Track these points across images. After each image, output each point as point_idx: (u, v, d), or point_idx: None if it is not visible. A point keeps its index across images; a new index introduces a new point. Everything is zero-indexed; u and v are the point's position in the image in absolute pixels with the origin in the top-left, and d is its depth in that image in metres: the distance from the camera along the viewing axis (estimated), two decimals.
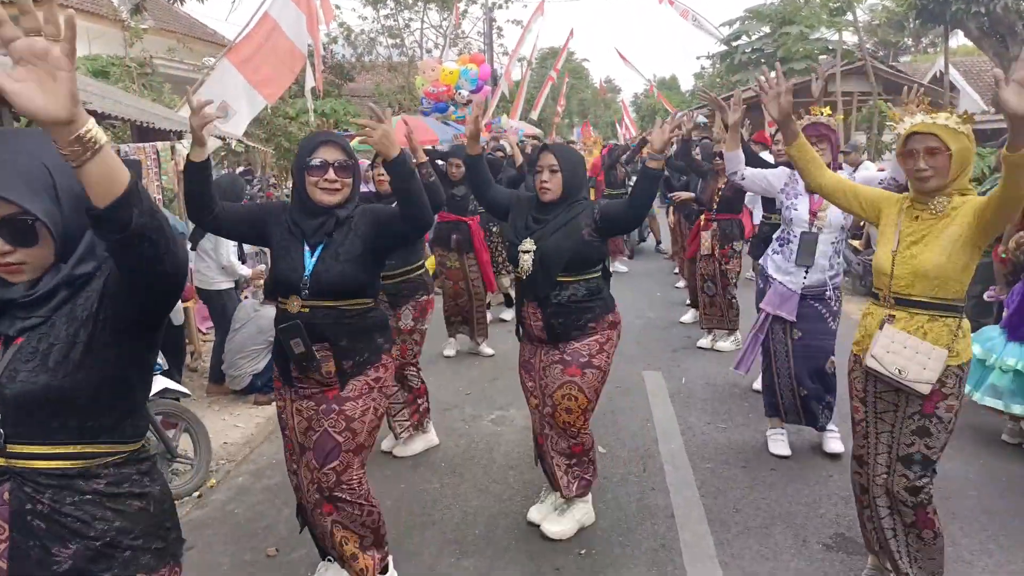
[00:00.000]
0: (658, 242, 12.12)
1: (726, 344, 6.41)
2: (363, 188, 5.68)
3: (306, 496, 2.74)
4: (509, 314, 7.65)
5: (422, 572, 3.13)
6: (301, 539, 3.46)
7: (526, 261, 3.18)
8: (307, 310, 2.59)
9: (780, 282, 4.15)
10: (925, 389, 2.54)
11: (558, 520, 3.38)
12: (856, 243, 8.88)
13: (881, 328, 2.65)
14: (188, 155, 2.61)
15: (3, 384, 1.39)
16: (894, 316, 2.65)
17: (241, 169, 12.90)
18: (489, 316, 6.67)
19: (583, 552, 3.26)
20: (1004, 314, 4.53)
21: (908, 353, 2.56)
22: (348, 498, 2.68)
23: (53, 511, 1.43)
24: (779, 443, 4.26)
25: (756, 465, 4.11)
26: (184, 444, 4.18)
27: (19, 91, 1.14)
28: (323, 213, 2.61)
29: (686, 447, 4.36)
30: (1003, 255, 4.91)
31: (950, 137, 2.48)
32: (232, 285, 5.66)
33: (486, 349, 6.43)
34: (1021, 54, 2.12)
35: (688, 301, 7.31)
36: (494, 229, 7.50)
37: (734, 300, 6.27)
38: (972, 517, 3.53)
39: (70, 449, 1.45)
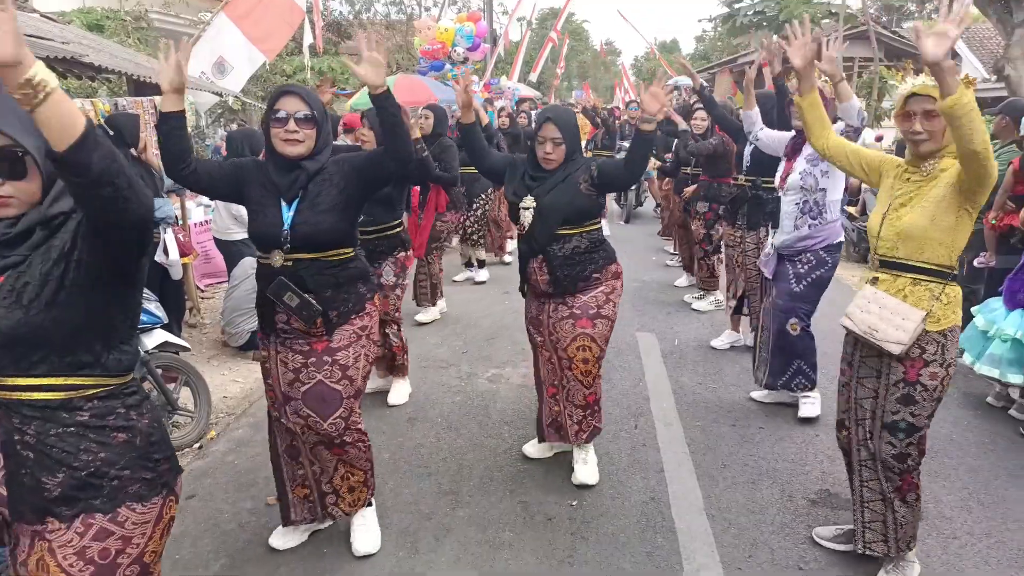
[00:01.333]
0: (657, 204, 12.11)
1: (703, 304, 6.53)
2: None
3: (300, 438, 2.82)
4: (483, 275, 7.70)
5: (419, 521, 3.22)
6: None
7: (526, 217, 3.28)
8: (290, 263, 2.64)
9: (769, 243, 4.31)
10: (896, 349, 2.54)
11: (587, 468, 3.53)
12: (852, 209, 8.91)
13: (863, 289, 2.71)
14: (159, 105, 2.59)
15: None
16: (878, 278, 2.68)
17: (235, 127, 12.82)
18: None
19: (574, 503, 3.36)
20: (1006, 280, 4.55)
21: (883, 313, 2.58)
22: (354, 440, 2.84)
23: (39, 442, 1.52)
24: (810, 405, 4.25)
25: (744, 424, 4.20)
26: (184, 397, 4.26)
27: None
28: (295, 167, 2.64)
29: (677, 406, 4.45)
30: (993, 221, 4.96)
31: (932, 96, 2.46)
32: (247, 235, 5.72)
33: (424, 316, 6.24)
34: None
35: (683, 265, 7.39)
36: (483, 195, 7.48)
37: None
38: (955, 476, 3.63)
39: (52, 381, 1.52)
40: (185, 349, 4.42)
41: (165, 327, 4.23)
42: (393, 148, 2.62)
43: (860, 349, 2.76)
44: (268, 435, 3.00)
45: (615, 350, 5.44)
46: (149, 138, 4.86)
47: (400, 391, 4.57)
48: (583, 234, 3.31)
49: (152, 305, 4.09)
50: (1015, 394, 4.47)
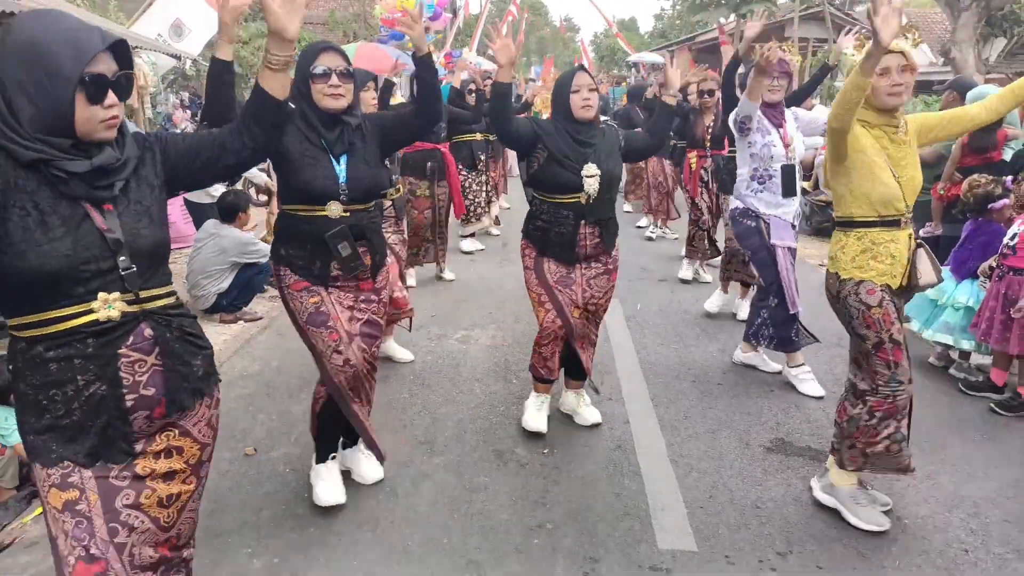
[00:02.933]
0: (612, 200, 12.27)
1: (687, 273, 6.71)
2: None
3: (363, 373, 2.91)
4: (469, 244, 7.84)
5: (396, 468, 3.33)
6: (279, 439, 3.65)
7: (591, 185, 3.34)
8: (348, 214, 2.75)
9: (775, 216, 4.32)
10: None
11: (592, 411, 3.81)
12: (806, 184, 9.20)
13: (920, 244, 2.91)
14: (214, 53, 2.52)
15: (133, 241, 1.64)
16: (910, 235, 2.89)
17: (186, 96, 12.52)
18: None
19: (546, 451, 3.51)
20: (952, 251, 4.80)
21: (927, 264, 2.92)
22: (374, 370, 3.02)
23: (183, 333, 1.77)
24: (808, 383, 4.29)
25: (704, 380, 4.41)
26: None
27: (280, 13, 1.76)
28: (337, 122, 2.73)
29: (640, 364, 4.63)
30: (941, 192, 5.23)
31: (913, 60, 2.78)
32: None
33: (448, 274, 6.59)
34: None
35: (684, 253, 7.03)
36: (482, 157, 7.55)
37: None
38: None
39: (169, 289, 1.77)
40: None
41: None
42: (426, 108, 2.85)
43: (895, 304, 2.86)
44: (320, 388, 2.96)
45: None
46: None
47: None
48: (615, 200, 3.58)
49: None
50: (955, 355, 4.76)
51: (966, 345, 4.47)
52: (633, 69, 24.39)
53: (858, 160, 2.82)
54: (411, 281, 6.41)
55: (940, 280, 2.99)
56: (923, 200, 5.59)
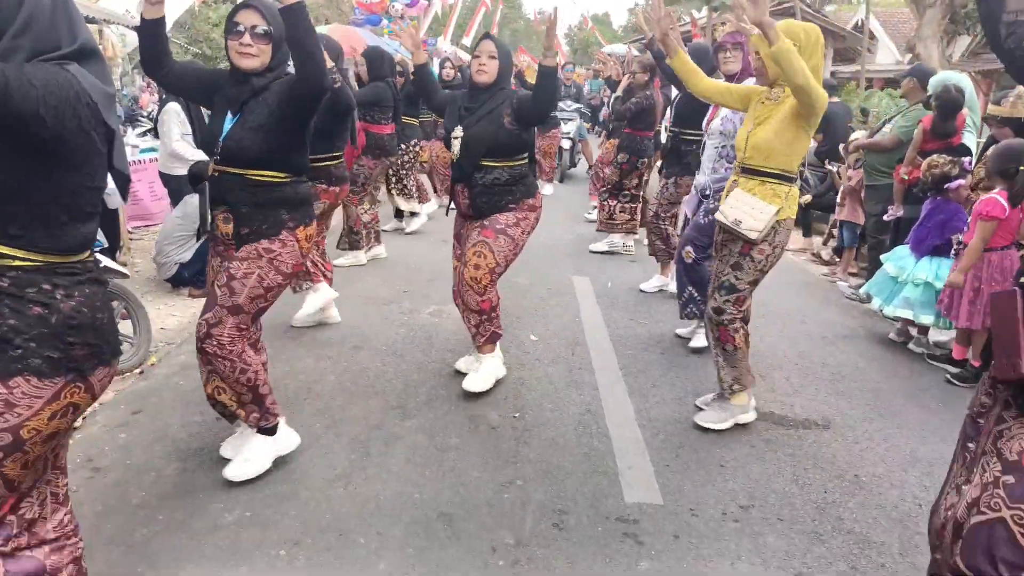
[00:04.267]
0: (589, 166, 12.37)
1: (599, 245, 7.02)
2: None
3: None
4: (415, 224, 7.75)
5: (368, 431, 3.36)
6: None
7: (455, 146, 3.57)
8: (217, 174, 2.77)
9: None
10: (754, 235, 3.17)
11: (475, 377, 3.74)
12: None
13: (730, 191, 3.31)
14: (142, 13, 2.66)
15: None
16: (737, 181, 3.31)
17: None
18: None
19: (517, 415, 3.56)
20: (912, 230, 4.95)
21: (745, 208, 3.20)
22: (217, 352, 2.75)
23: None
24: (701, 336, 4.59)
25: (672, 353, 4.49)
26: (124, 328, 4.22)
27: None
28: (244, 81, 2.71)
29: (610, 337, 4.70)
30: (904, 176, 5.37)
31: (761, 44, 3.04)
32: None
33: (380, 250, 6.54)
34: None
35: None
36: (401, 147, 7.51)
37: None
38: (860, 396, 4.01)
39: None
40: (123, 276, 4.36)
41: (103, 252, 4.18)
42: (300, 68, 2.59)
43: (721, 235, 3.36)
44: None
45: (552, 290, 5.68)
46: None
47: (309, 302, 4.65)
48: (505, 168, 3.60)
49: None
50: (914, 331, 4.91)
51: (925, 320, 4.62)
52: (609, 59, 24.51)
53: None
54: (353, 258, 6.21)
55: (715, 217, 3.31)
56: (885, 183, 5.76)
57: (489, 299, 3.65)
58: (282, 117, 2.70)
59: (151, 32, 2.70)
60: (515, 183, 3.63)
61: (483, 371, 3.75)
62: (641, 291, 5.76)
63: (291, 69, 2.79)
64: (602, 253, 7.02)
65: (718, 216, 3.28)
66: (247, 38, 2.64)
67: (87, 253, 1.70)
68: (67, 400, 1.66)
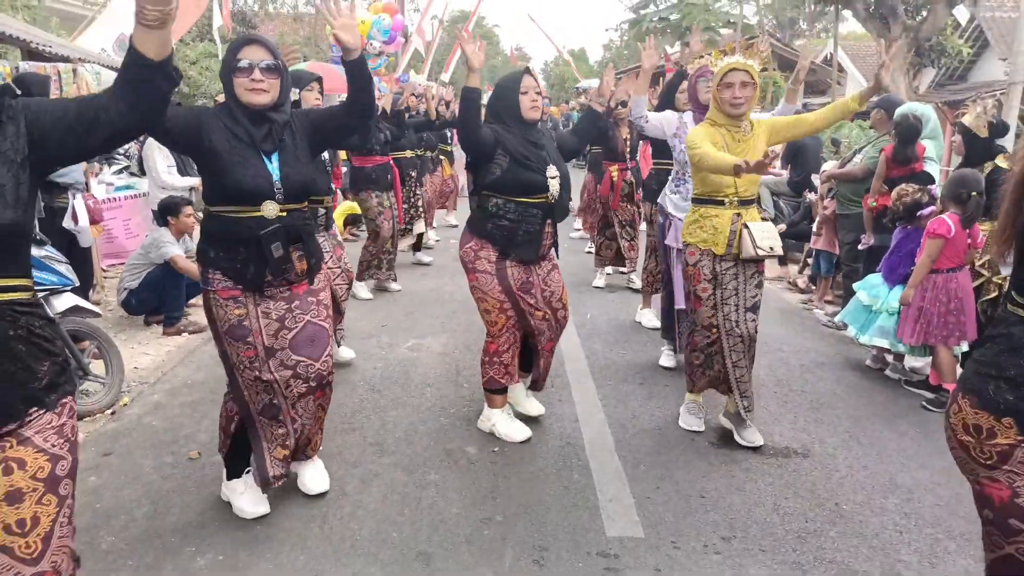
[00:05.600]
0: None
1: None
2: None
3: (284, 393, 2.75)
4: (428, 256, 7.89)
5: (345, 468, 3.30)
6: None
7: (554, 186, 3.46)
8: (284, 214, 2.64)
9: (679, 219, 4.51)
10: (779, 252, 3.57)
11: (536, 403, 3.89)
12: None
13: (746, 225, 3.45)
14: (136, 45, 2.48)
15: None
16: (740, 214, 3.47)
17: None
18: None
19: (496, 449, 3.52)
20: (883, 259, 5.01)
21: (769, 234, 3.46)
22: (332, 381, 2.91)
23: (30, 334, 1.56)
24: (668, 357, 4.81)
25: (652, 382, 4.49)
26: (96, 368, 4.15)
27: None
28: (263, 119, 2.62)
29: (590, 368, 4.69)
30: (872, 204, 5.46)
31: (756, 75, 3.35)
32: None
33: (395, 286, 6.62)
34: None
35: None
36: (412, 174, 7.61)
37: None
38: (838, 423, 4.01)
39: (23, 282, 1.56)
40: (95, 315, 4.30)
41: (75, 292, 4.12)
42: (361, 104, 2.74)
43: (721, 265, 3.51)
44: (233, 405, 2.85)
45: None
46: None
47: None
48: None
49: (63, 267, 3.98)
50: (890, 358, 4.95)
51: (903, 348, 4.66)
52: (583, 95, 24.89)
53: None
54: (365, 294, 6.37)
55: (756, 254, 3.45)
56: (857, 212, 5.85)
57: None
58: (314, 147, 2.84)
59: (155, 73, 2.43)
60: None
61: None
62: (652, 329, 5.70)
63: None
64: (584, 287, 7.04)
65: (759, 253, 3.41)
66: (257, 74, 2.57)
67: None
68: None
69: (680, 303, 4.55)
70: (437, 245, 8.94)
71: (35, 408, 1.57)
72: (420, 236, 7.98)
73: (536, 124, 3.48)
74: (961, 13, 16.97)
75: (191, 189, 6.36)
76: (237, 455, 2.96)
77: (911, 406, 4.31)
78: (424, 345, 5.12)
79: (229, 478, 2.98)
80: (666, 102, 4.95)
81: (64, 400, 1.64)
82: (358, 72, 2.67)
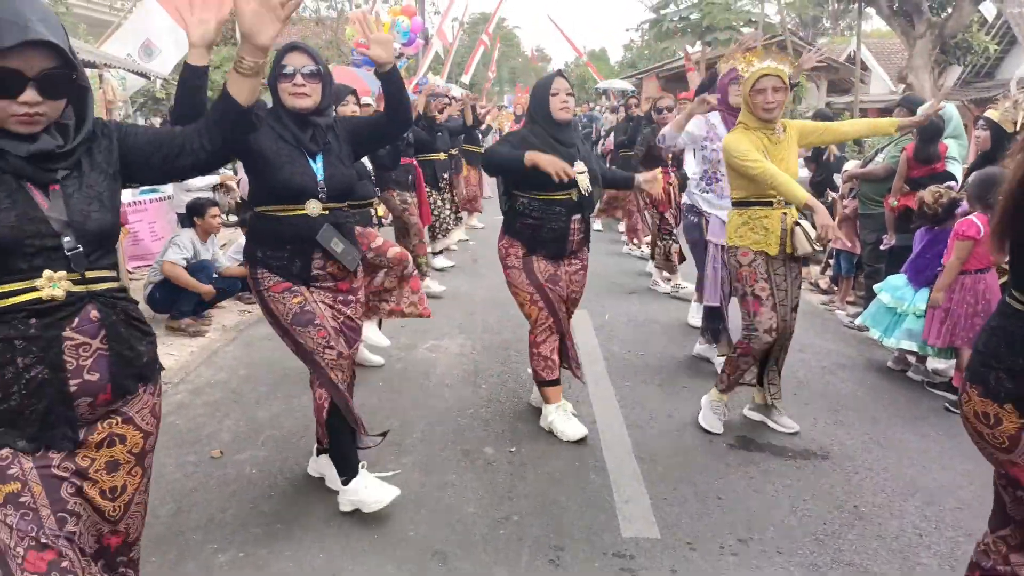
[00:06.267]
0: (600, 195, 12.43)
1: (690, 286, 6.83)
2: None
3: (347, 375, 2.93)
4: (440, 261, 7.93)
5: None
6: (246, 442, 3.64)
7: (583, 181, 3.53)
8: (327, 212, 2.77)
9: (716, 215, 4.58)
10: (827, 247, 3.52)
11: (575, 423, 3.75)
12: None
13: (798, 222, 3.48)
14: (186, 58, 2.25)
15: (84, 222, 1.63)
16: (787, 213, 3.49)
17: (160, 120, 12.49)
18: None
19: (513, 450, 3.54)
20: (908, 261, 4.96)
21: (814, 233, 3.43)
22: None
23: (129, 317, 1.73)
24: (709, 350, 4.83)
25: (670, 384, 4.48)
26: None
27: (251, 16, 1.74)
28: (307, 123, 2.74)
29: (608, 369, 4.69)
30: (893, 204, 5.40)
31: (787, 79, 3.41)
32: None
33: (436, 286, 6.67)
34: None
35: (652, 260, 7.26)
36: (444, 176, 7.68)
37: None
38: (858, 425, 3.98)
39: (115, 274, 1.74)
40: None
41: None
42: (398, 116, 2.83)
43: (772, 264, 3.52)
44: (322, 391, 2.86)
45: None
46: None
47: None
48: None
49: None
50: (912, 359, 4.89)
51: (931, 351, 4.61)
52: (603, 96, 24.84)
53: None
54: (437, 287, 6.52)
55: (814, 250, 3.50)
56: (880, 212, 5.79)
57: None
58: (354, 152, 2.95)
59: (197, 82, 2.20)
60: None
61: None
62: (689, 325, 5.69)
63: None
64: (602, 289, 7.03)
65: (815, 248, 3.47)
66: (299, 79, 2.67)
67: None
68: None
69: (713, 300, 4.63)
70: (458, 246, 8.98)
71: (142, 384, 1.76)
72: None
73: (568, 124, 3.58)
74: (988, 9, 16.72)
75: (214, 189, 6.47)
76: (340, 450, 2.98)
77: (933, 408, 4.26)
78: (442, 346, 5.15)
79: (345, 477, 2.96)
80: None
81: (158, 378, 1.84)
82: (391, 85, 2.74)
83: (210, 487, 3.17)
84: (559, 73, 3.61)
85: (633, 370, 4.71)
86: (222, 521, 2.91)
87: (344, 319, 2.88)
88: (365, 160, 4.50)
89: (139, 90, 10.78)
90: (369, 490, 2.93)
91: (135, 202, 7.21)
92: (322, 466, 3.21)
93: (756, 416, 3.88)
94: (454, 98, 9.77)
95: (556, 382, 3.75)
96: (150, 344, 1.80)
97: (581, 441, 3.62)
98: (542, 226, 3.57)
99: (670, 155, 6.41)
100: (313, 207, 2.73)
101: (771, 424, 3.77)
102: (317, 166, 2.77)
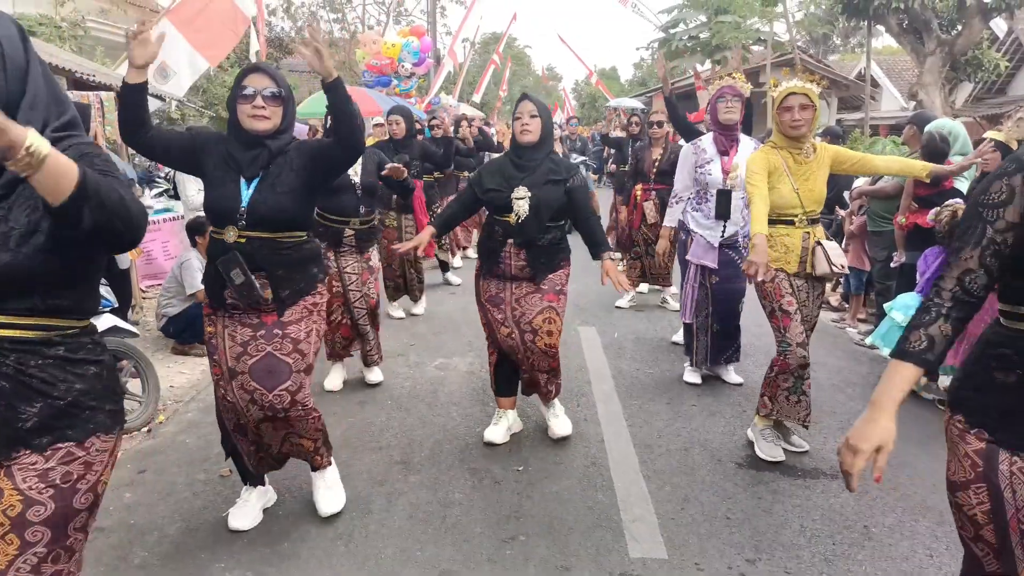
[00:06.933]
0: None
1: (675, 303, 6.80)
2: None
3: (244, 415, 2.80)
4: (454, 278, 7.94)
5: (371, 487, 3.35)
6: None
7: (521, 206, 3.49)
8: (243, 240, 2.68)
9: (701, 235, 4.62)
10: (845, 272, 3.65)
11: (560, 421, 3.88)
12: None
13: (819, 243, 3.53)
14: (124, 78, 2.61)
15: None
16: (810, 233, 3.54)
17: None
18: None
19: (520, 468, 3.54)
20: (919, 279, 4.94)
21: (839, 253, 3.53)
22: (303, 414, 2.84)
23: (18, 372, 1.52)
24: (691, 373, 4.83)
25: (678, 402, 4.47)
26: (132, 386, 4.27)
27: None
28: (257, 145, 2.69)
29: (616, 388, 4.69)
30: (902, 221, 5.39)
31: (815, 98, 3.43)
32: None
33: (418, 309, 6.64)
34: None
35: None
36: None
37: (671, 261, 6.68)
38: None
39: (33, 321, 1.55)
40: (133, 335, 4.43)
41: (114, 313, 4.26)
42: (341, 136, 2.69)
43: (793, 283, 3.55)
44: (216, 414, 2.99)
45: None
46: (99, 128, 4.90)
47: (378, 373, 4.76)
48: (558, 228, 3.67)
49: (103, 289, 4.12)
50: (923, 379, 4.86)
51: (947, 369, 4.58)
52: (615, 113, 24.98)
53: (771, 175, 3.52)
54: (396, 313, 6.45)
55: (832, 272, 3.52)
56: (890, 230, 5.78)
57: (556, 358, 3.74)
58: (310, 179, 2.75)
59: (135, 98, 2.60)
60: (563, 241, 3.71)
61: (561, 412, 3.92)
62: (674, 343, 5.69)
63: (297, 132, 2.89)
64: (612, 307, 7.04)
65: (835, 269, 3.51)
66: (259, 101, 2.64)
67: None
68: (119, 450, 1.75)
69: (686, 317, 4.72)
70: (465, 264, 9.01)
71: (21, 448, 1.53)
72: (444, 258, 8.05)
73: (531, 146, 3.54)
74: (998, 26, 16.71)
75: None
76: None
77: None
78: (451, 364, 5.16)
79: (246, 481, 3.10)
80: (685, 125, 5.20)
81: (61, 446, 1.57)
82: (333, 99, 2.64)
83: (219, 506, 3.19)
84: (524, 96, 3.65)
85: (642, 388, 4.70)
86: (230, 540, 2.92)
87: (263, 356, 2.72)
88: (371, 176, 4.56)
89: (154, 111, 10.92)
90: (234, 510, 3.03)
91: (149, 222, 7.29)
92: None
93: (752, 435, 3.85)
94: (464, 116, 9.89)
95: (500, 392, 3.90)
96: (49, 407, 1.55)
97: (577, 455, 3.64)
98: (485, 243, 3.72)
99: (653, 171, 6.41)
100: (230, 233, 2.68)
101: (782, 444, 3.75)
102: (247, 192, 2.69)
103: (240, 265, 2.65)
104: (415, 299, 6.59)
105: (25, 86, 1.53)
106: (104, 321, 4.06)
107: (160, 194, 8.60)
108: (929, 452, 3.86)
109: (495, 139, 10.87)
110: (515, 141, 3.59)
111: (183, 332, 5.51)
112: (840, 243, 6.95)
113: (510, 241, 3.56)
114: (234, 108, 2.70)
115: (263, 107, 2.65)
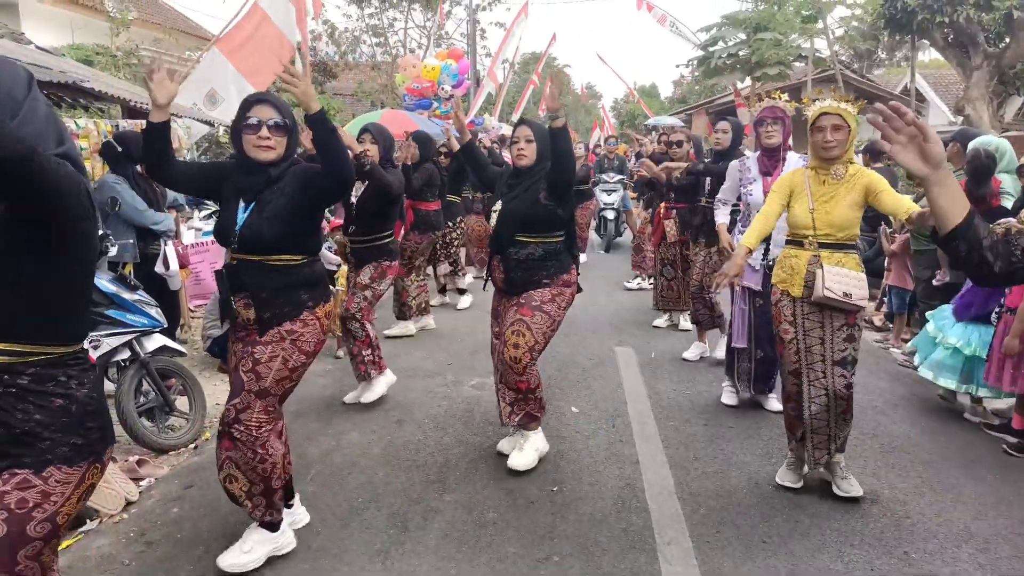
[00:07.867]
0: (633, 236, 12.47)
1: (688, 323, 6.75)
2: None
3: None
4: (464, 302, 7.90)
5: (408, 504, 3.41)
6: (295, 477, 3.71)
7: (495, 219, 3.77)
8: (235, 262, 2.83)
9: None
10: (864, 304, 3.33)
11: (520, 454, 3.76)
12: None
13: (821, 267, 3.33)
14: (148, 117, 2.77)
15: None
16: (819, 256, 3.37)
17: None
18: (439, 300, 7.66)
19: (555, 489, 3.57)
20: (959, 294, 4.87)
21: (849, 281, 3.30)
22: (242, 438, 2.78)
23: None
24: (729, 395, 4.80)
25: (716, 423, 4.44)
26: (180, 403, 4.42)
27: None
28: (259, 171, 2.77)
29: (652, 408, 4.68)
30: None
31: (850, 118, 3.30)
32: None
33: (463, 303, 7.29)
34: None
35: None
36: (448, 224, 7.76)
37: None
38: (910, 467, 3.88)
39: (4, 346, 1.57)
40: (181, 354, 4.59)
41: (164, 332, 4.42)
42: (328, 166, 2.72)
43: (802, 308, 3.42)
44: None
45: (595, 361, 5.71)
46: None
47: (374, 389, 4.73)
48: (540, 244, 3.67)
49: (153, 310, 4.28)
50: (965, 400, 4.75)
51: (945, 383, 4.57)
52: (653, 132, 24.95)
53: (793, 194, 3.49)
54: (403, 327, 6.53)
55: (823, 295, 3.29)
56: (931, 248, 5.68)
57: (527, 380, 3.63)
58: (301, 205, 2.79)
59: (159, 135, 2.75)
60: (549, 259, 3.66)
61: (528, 448, 3.76)
62: (684, 360, 5.74)
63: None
64: (649, 326, 7.03)
65: (827, 294, 3.26)
66: (264, 131, 2.71)
67: (86, 339, 1.82)
68: (89, 481, 1.76)
69: (737, 342, 4.59)
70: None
71: None
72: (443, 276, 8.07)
73: (524, 169, 3.71)
74: None
75: None
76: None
77: (991, 450, 4.13)
78: (488, 384, 5.20)
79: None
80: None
81: (18, 472, 1.61)
82: (317, 133, 2.65)
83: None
84: (521, 122, 3.79)
85: (678, 409, 4.69)
86: (271, 556, 3.00)
87: (235, 369, 2.86)
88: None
89: (203, 135, 11.29)
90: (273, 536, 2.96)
91: (198, 243, 7.54)
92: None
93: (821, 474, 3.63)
94: (503, 136, 10.06)
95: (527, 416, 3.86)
96: (9, 435, 1.60)
97: (612, 476, 3.63)
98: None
99: (670, 190, 6.35)
100: (227, 255, 2.87)
101: (832, 483, 3.53)
102: (242, 215, 2.78)
103: (224, 283, 2.86)
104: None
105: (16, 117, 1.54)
106: (154, 341, 4.22)
107: (208, 216, 8.86)
108: (974, 476, 3.78)
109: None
110: (513, 163, 3.80)
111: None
112: (884, 263, 6.86)
113: (493, 253, 3.80)
114: (239, 137, 2.78)
115: (268, 137, 2.73)
